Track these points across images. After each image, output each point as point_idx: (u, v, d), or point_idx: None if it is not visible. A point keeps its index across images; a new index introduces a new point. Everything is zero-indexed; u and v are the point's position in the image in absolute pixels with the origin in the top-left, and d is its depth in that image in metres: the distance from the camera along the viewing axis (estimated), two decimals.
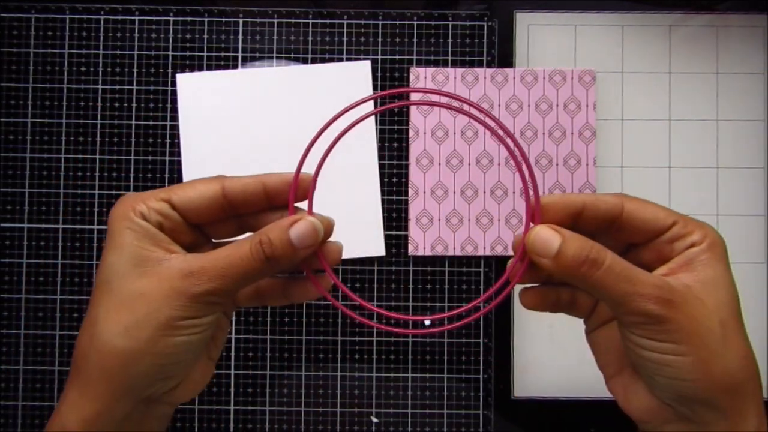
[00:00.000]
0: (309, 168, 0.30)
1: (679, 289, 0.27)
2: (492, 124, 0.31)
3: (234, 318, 0.54)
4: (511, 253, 0.54)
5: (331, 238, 0.32)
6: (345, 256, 0.54)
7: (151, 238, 0.29)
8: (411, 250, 0.54)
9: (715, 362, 0.27)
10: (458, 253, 0.54)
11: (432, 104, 0.30)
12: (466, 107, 0.32)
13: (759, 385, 0.28)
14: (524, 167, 0.29)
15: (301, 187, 0.30)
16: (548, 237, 0.28)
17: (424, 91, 0.30)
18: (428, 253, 0.54)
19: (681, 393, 0.28)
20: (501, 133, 0.30)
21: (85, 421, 0.28)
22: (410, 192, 0.55)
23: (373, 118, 0.55)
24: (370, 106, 0.55)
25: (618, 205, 0.29)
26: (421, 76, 0.55)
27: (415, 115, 0.55)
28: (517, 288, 0.32)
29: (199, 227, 0.31)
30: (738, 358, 0.28)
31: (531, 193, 0.29)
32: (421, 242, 0.54)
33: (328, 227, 0.30)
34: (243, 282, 0.29)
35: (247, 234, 0.31)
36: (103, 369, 0.28)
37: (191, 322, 0.28)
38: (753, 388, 0.28)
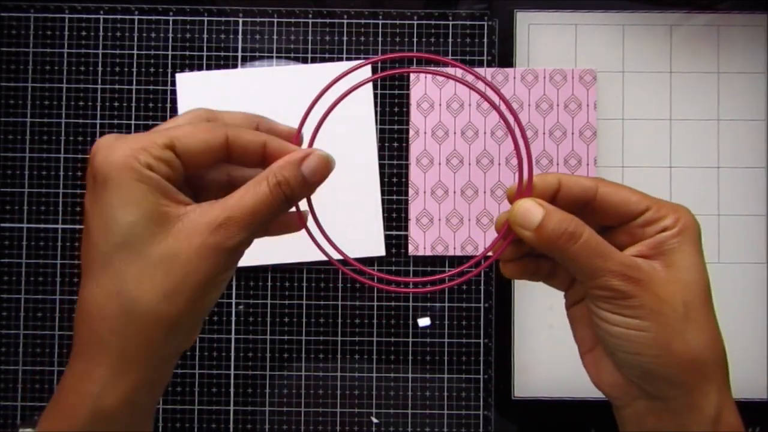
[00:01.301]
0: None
1: (646, 269, 0.29)
2: (495, 97, 0.31)
3: (234, 318, 0.54)
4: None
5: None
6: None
7: (163, 191, 0.27)
8: (411, 250, 0.54)
9: (676, 340, 0.28)
10: (458, 253, 0.54)
11: (427, 72, 0.30)
12: (459, 73, 0.32)
13: (723, 368, 0.29)
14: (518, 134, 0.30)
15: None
16: (531, 209, 0.29)
17: (422, 56, 0.30)
18: (428, 253, 0.54)
19: (643, 369, 0.29)
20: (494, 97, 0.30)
21: (125, 395, 0.27)
22: (410, 192, 0.54)
23: (373, 117, 0.55)
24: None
25: (592, 189, 0.30)
26: (421, 76, 0.54)
27: (415, 114, 0.55)
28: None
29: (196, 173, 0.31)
30: (700, 338, 0.28)
31: (519, 167, 0.30)
32: (421, 242, 0.54)
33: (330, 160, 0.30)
34: (267, 224, 0.29)
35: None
36: (144, 339, 0.26)
37: (226, 275, 0.28)
38: (716, 369, 0.29)
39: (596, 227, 0.31)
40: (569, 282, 0.34)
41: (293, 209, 0.31)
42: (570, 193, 0.30)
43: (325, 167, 0.29)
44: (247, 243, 0.28)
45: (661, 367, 0.28)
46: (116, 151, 0.26)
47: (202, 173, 0.31)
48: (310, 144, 0.31)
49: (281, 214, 0.29)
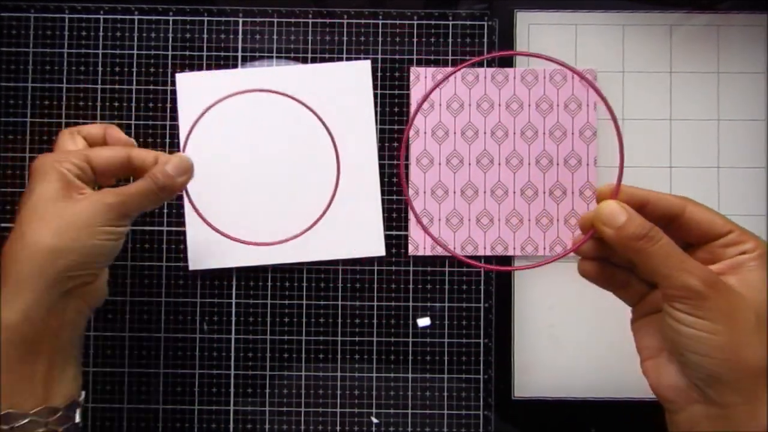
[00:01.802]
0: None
1: (723, 280, 0.31)
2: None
3: (234, 318, 0.55)
4: (510, 252, 0.54)
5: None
6: (345, 256, 0.54)
7: (71, 183, 0.38)
8: (411, 250, 0.54)
9: (746, 347, 0.30)
10: (458, 253, 0.54)
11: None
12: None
13: None
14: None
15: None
16: (616, 211, 0.32)
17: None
18: (428, 253, 0.54)
19: (710, 372, 0.30)
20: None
21: (23, 311, 0.35)
22: (410, 192, 0.54)
23: (373, 117, 0.55)
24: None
25: (680, 206, 0.33)
26: (421, 76, 0.55)
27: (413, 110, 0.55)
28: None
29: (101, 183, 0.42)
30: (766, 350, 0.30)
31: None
32: (421, 242, 0.54)
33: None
34: (145, 202, 0.40)
35: None
36: (35, 264, 0.36)
37: (108, 229, 0.38)
38: None
39: (681, 244, 0.33)
40: (640, 296, 0.36)
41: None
42: (657, 208, 0.33)
43: (182, 165, 0.41)
44: (128, 207, 0.39)
45: (729, 372, 0.30)
46: (47, 156, 0.39)
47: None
48: (183, 149, 0.44)
49: (159, 198, 0.41)
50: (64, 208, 0.37)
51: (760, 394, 0.30)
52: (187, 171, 0.42)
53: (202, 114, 0.44)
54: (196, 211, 0.44)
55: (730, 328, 0.30)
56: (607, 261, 0.36)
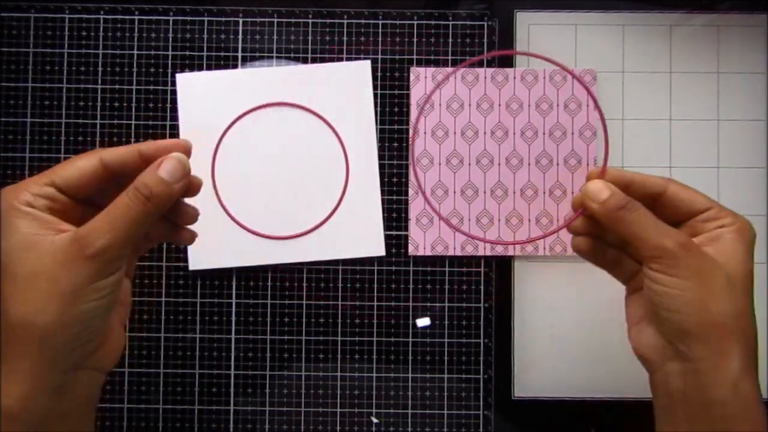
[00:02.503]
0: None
1: (698, 245, 0.33)
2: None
3: (234, 318, 0.54)
4: (510, 253, 0.54)
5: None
6: (345, 256, 0.54)
7: (39, 222, 0.30)
8: (411, 250, 0.54)
9: (713, 303, 0.32)
10: (458, 253, 0.54)
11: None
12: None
13: (750, 341, 0.33)
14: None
15: (175, 150, 0.33)
16: (600, 187, 0.36)
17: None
18: (428, 253, 0.54)
19: (680, 326, 0.33)
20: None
21: (22, 398, 0.29)
22: (410, 192, 0.54)
23: (373, 117, 0.55)
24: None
25: (662, 185, 0.36)
26: (421, 76, 0.54)
27: (415, 114, 0.55)
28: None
29: (90, 200, 0.33)
30: (735, 309, 0.32)
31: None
32: (421, 242, 0.54)
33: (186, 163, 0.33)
34: (133, 229, 0.31)
35: None
36: (25, 347, 0.29)
37: (94, 286, 0.30)
38: (744, 340, 0.33)
39: (665, 221, 0.35)
40: (631, 274, 0.39)
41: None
42: (641, 187, 0.36)
43: (181, 167, 0.32)
44: (112, 250, 0.30)
45: (697, 326, 0.32)
46: (5, 194, 0.31)
47: (104, 198, 0.33)
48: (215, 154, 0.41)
49: (149, 216, 0.31)
50: (37, 272, 0.29)
51: (725, 347, 0.32)
52: (186, 173, 0.32)
53: (232, 123, 0.49)
54: (224, 207, 0.51)
55: (698, 286, 0.32)
56: (599, 239, 0.39)
